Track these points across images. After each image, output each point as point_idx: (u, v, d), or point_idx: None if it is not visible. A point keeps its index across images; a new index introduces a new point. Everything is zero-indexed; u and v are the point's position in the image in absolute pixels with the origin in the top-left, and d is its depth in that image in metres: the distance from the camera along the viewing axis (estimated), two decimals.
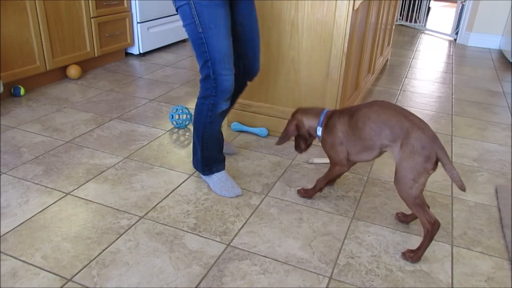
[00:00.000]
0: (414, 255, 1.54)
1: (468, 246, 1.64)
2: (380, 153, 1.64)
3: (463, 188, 1.45)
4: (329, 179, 1.79)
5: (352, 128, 1.64)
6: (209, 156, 1.84)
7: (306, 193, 1.87)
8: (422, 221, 1.51)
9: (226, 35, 1.58)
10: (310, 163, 2.13)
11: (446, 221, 1.78)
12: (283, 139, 1.83)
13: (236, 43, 1.71)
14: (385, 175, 2.10)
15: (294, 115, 1.82)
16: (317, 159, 2.17)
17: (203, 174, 1.90)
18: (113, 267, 1.44)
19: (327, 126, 1.73)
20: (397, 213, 1.77)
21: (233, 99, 1.93)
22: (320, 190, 1.84)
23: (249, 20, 1.68)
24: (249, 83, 2.03)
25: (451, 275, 1.49)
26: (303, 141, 1.86)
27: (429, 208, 1.53)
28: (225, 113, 1.77)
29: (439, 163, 1.48)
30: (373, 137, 1.58)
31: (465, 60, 4.38)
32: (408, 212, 1.78)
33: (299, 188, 1.92)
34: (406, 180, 1.50)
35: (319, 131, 1.76)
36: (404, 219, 1.75)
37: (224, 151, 1.99)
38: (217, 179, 1.87)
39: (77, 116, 2.58)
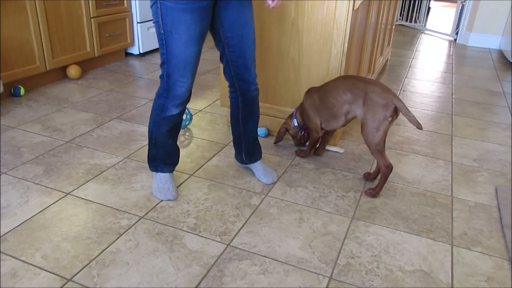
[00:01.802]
0: (373, 192, 1.89)
1: (468, 246, 1.64)
2: (346, 120, 1.94)
3: (420, 127, 1.74)
4: (312, 144, 2.14)
5: (320, 100, 1.98)
6: (156, 154, 1.82)
7: (301, 153, 2.22)
8: (379, 164, 1.85)
9: (188, 42, 1.54)
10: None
11: (446, 221, 1.78)
12: (277, 139, 2.26)
13: (227, 49, 1.69)
14: None
15: (285, 120, 2.23)
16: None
17: (149, 168, 1.88)
18: (113, 267, 1.44)
19: (300, 108, 2.11)
20: (364, 173, 2.05)
21: (250, 111, 1.86)
22: (310, 153, 2.20)
23: (238, 28, 1.63)
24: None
25: (451, 275, 1.49)
26: (296, 138, 2.26)
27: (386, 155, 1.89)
28: (174, 119, 1.72)
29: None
30: (336, 105, 1.91)
31: (465, 60, 4.38)
32: (371, 172, 2.08)
33: (297, 150, 2.26)
34: (370, 129, 1.81)
35: (296, 122, 2.16)
36: (368, 177, 2.03)
37: (262, 177, 1.98)
38: (158, 179, 1.85)
39: (77, 116, 2.58)
